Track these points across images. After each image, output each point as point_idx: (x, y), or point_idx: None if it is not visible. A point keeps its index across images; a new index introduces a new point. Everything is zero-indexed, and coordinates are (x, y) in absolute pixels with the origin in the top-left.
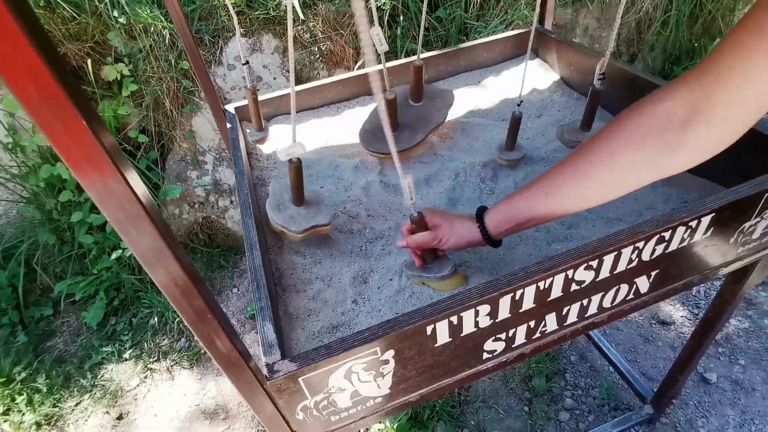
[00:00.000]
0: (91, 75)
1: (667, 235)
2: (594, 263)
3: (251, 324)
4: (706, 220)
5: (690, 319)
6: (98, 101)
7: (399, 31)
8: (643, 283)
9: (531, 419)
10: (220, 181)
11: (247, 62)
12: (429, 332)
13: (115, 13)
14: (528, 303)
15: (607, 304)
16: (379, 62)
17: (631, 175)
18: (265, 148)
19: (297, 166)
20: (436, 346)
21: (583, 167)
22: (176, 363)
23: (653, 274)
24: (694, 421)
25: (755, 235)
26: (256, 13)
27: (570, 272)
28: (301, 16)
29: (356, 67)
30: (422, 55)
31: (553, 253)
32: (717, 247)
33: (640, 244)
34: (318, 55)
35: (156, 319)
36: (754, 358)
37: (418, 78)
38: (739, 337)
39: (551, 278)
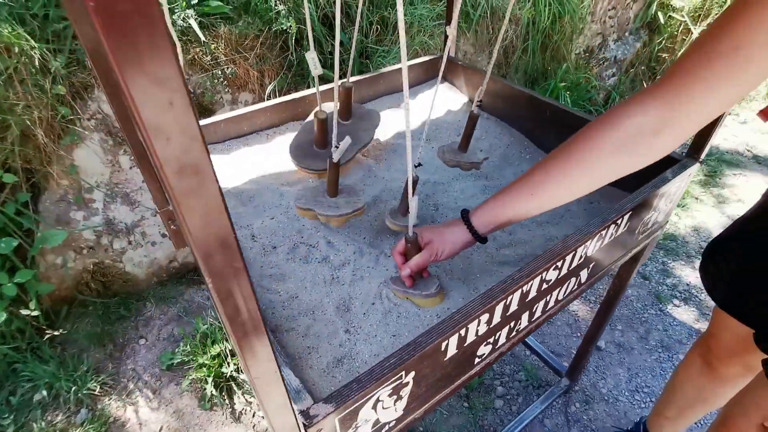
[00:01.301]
0: None
1: (604, 232)
2: (560, 263)
3: (169, 377)
4: (626, 217)
5: (578, 300)
6: None
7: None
8: (584, 275)
9: (471, 413)
10: (114, 219)
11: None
12: (443, 348)
13: None
14: (514, 306)
15: (560, 296)
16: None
17: (604, 177)
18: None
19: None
20: (445, 359)
21: (561, 173)
22: None
23: (591, 266)
24: (596, 383)
25: (649, 225)
26: None
27: (544, 273)
28: (202, 38)
29: (267, 92)
30: (341, 81)
31: (504, 257)
32: (629, 237)
33: (588, 242)
34: (222, 78)
35: (44, 392)
36: (627, 323)
37: (347, 98)
38: None
39: (532, 281)
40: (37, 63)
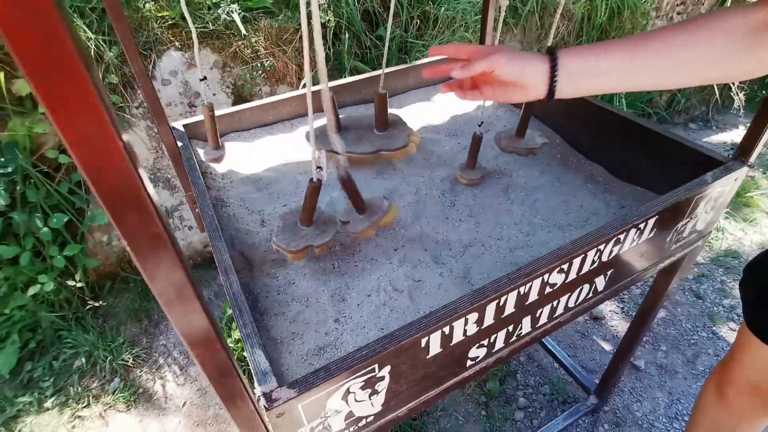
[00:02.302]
0: (4, 89)
1: (622, 236)
2: (565, 266)
3: None
4: (651, 222)
5: (618, 313)
6: (9, 118)
7: (345, 47)
8: (600, 282)
9: (489, 422)
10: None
11: (205, 77)
12: (423, 344)
13: None
14: (510, 308)
15: (571, 303)
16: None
17: (710, 68)
18: (220, 168)
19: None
20: (427, 357)
21: (681, 44)
22: (110, 406)
23: (609, 273)
24: (630, 405)
25: (685, 234)
26: (195, 26)
27: (546, 276)
28: (243, 31)
29: (301, 84)
30: (374, 72)
31: (517, 259)
32: (658, 245)
33: (602, 246)
34: (260, 71)
35: (83, 359)
36: (674, 344)
37: (381, 107)
38: (659, 326)
39: (530, 283)
40: (92, 53)
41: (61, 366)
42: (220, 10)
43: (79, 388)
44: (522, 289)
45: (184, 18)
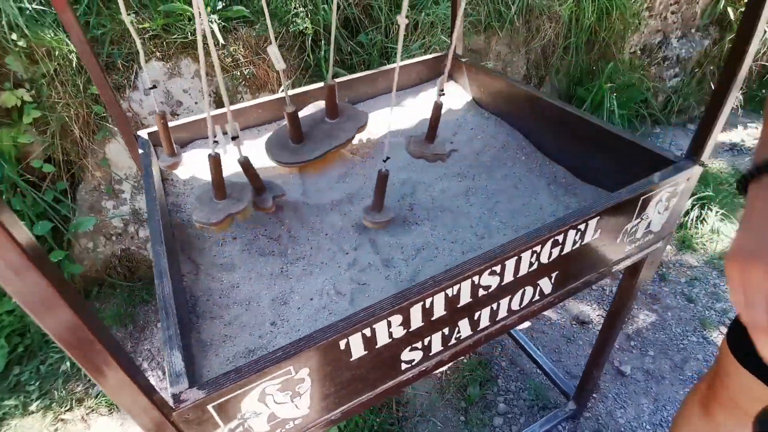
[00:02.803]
0: None
1: (560, 238)
2: (497, 268)
3: None
4: (593, 223)
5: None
6: None
7: (322, 55)
8: (546, 285)
9: (467, 428)
10: (140, 210)
11: (154, 86)
12: (343, 347)
13: (14, 36)
14: (439, 311)
15: (515, 306)
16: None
17: None
18: (182, 174)
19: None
20: (351, 360)
21: None
22: (92, 410)
23: (553, 275)
24: (613, 412)
25: (638, 235)
26: (173, 36)
27: (476, 278)
28: (221, 41)
29: (280, 90)
30: (344, 78)
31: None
32: (606, 246)
33: (538, 248)
34: (240, 80)
35: (68, 364)
36: (662, 349)
37: (331, 96)
38: (648, 330)
39: (458, 285)
40: (74, 65)
41: (48, 370)
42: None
43: (64, 392)
44: (450, 291)
45: (165, 29)
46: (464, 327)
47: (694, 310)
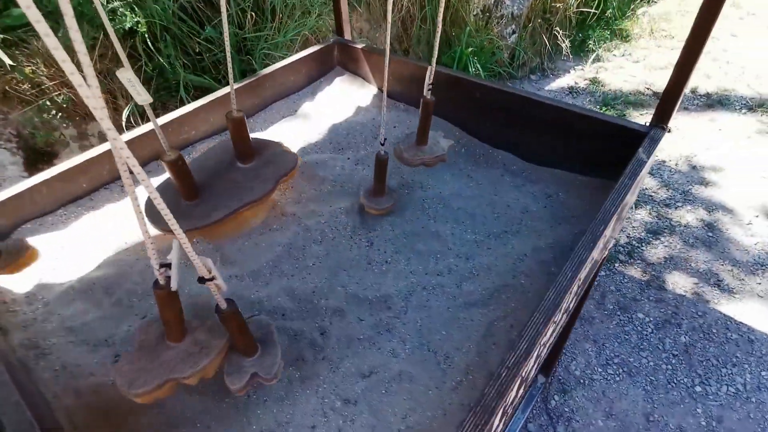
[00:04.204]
0: None
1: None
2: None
3: None
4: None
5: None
6: None
7: (167, 61)
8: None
9: None
10: None
11: None
12: None
13: None
14: None
15: None
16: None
17: None
18: (19, 285)
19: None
20: None
21: None
22: None
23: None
24: (568, 366)
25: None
26: None
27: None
28: (7, 61)
29: (124, 117)
30: (222, 91)
31: (469, 296)
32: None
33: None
34: (54, 110)
35: None
36: None
37: (238, 132)
38: None
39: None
40: None
41: None
42: None
43: None
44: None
45: None
46: None
47: None
